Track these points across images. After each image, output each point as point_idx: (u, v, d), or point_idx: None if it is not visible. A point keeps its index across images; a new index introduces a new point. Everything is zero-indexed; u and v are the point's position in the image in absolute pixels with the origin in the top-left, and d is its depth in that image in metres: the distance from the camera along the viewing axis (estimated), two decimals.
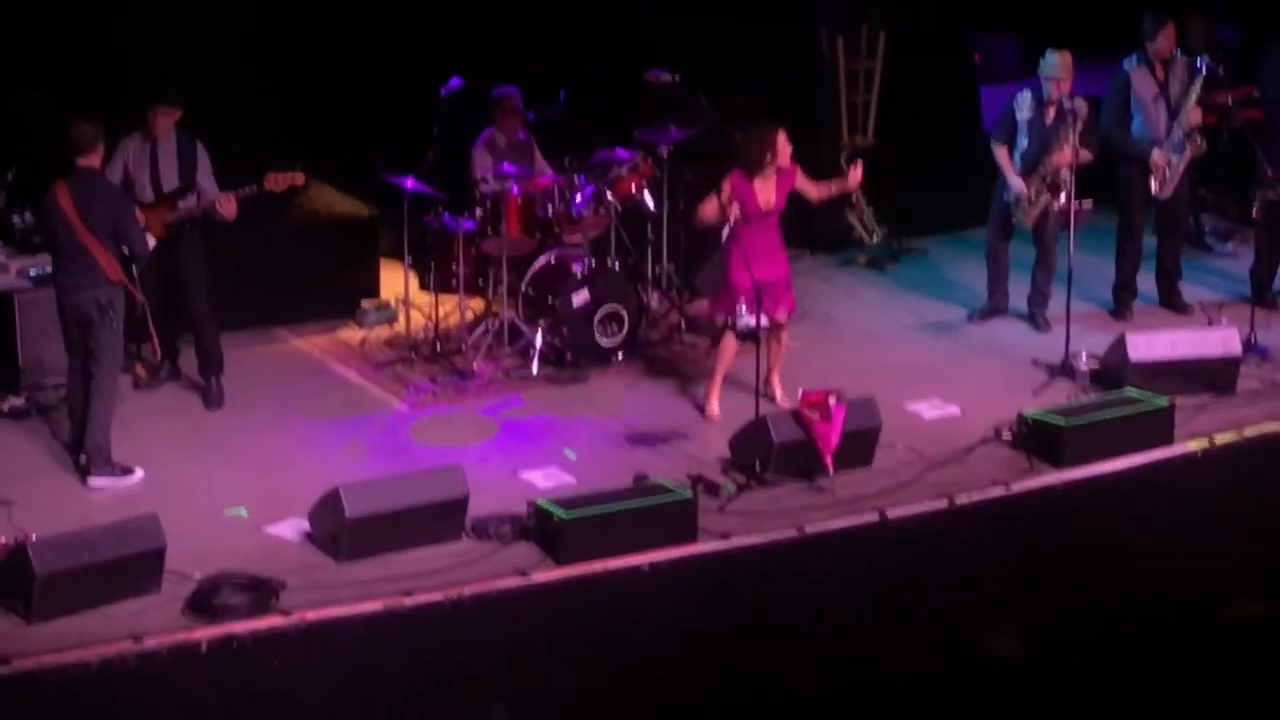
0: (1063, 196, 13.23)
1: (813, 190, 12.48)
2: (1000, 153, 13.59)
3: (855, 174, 12.51)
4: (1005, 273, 13.90)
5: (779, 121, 12.23)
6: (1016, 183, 13.49)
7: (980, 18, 15.28)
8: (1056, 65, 13.35)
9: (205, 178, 12.27)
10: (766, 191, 12.12)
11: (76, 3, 13.62)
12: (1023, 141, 13.53)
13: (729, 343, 12.24)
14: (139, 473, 11.39)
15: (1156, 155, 13.57)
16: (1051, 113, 13.43)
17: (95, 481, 11.30)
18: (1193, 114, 13.58)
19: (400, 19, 16.47)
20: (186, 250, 12.32)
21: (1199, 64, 13.54)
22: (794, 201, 15.20)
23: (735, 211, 11.99)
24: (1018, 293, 13.99)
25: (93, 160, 11.32)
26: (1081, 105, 13.32)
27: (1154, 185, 13.60)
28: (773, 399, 12.29)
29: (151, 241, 12.08)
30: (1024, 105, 13.52)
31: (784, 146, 12.15)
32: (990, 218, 13.83)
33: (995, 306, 13.97)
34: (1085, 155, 13.21)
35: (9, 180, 13.51)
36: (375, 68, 16.35)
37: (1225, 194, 15.78)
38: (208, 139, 12.42)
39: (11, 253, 12.87)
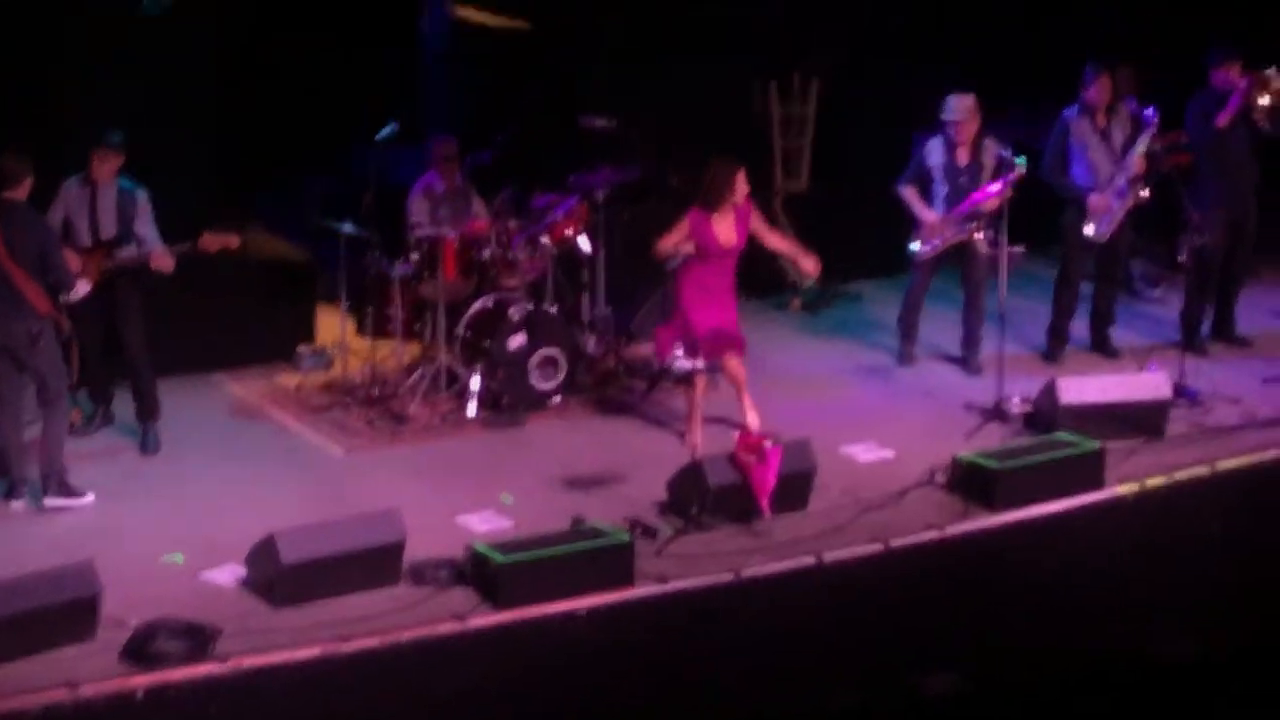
0: (978, 237, 13.51)
1: (769, 238, 12.57)
2: (907, 191, 13.79)
3: (810, 264, 12.57)
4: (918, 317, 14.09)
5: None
6: (928, 215, 13.67)
7: (917, 62, 15.36)
8: (957, 109, 13.59)
9: (146, 227, 12.27)
10: (726, 229, 12.23)
11: (15, 48, 13.58)
12: (940, 189, 13.70)
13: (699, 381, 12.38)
14: (90, 496, 11.49)
15: (1094, 199, 13.72)
16: (963, 155, 13.62)
17: (51, 502, 11.36)
18: (1137, 163, 13.73)
19: (338, 65, 16.55)
20: (123, 296, 12.31)
21: (1147, 114, 13.73)
22: None
23: (689, 248, 12.07)
24: (950, 338, 14.12)
25: (18, 193, 11.35)
26: (992, 144, 13.60)
27: (1089, 228, 13.74)
28: (746, 424, 12.35)
29: (87, 287, 12.10)
30: (934, 151, 13.72)
31: (742, 185, 12.27)
32: (915, 265, 13.94)
33: (913, 351, 14.10)
34: (1001, 190, 13.46)
35: None
36: (311, 112, 16.42)
37: (1154, 239, 15.92)
38: (146, 181, 12.40)
39: None
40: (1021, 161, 12.94)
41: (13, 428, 11.59)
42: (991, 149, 13.60)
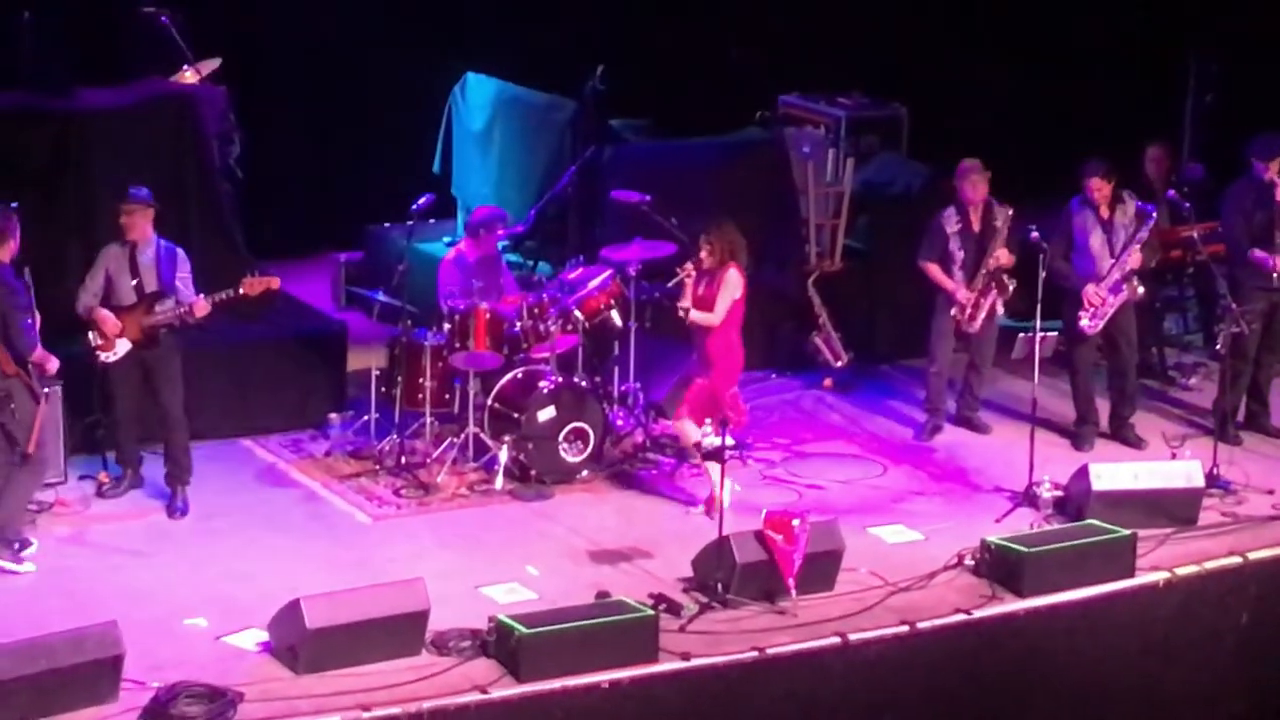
0: (1010, 289, 13.67)
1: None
2: (931, 269, 13.83)
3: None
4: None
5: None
6: (961, 292, 13.69)
7: (948, 145, 15.40)
8: (967, 167, 13.78)
9: (185, 285, 12.30)
10: (700, 292, 12.43)
11: (48, 117, 13.73)
12: (959, 254, 13.74)
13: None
14: (32, 566, 11.46)
15: (1089, 290, 13.68)
16: (976, 218, 13.75)
17: None
18: (1132, 257, 13.71)
19: (370, 129, 16.67)
20: (163, 357, 12.32)
21: (1147, 208, 13.74)
22: (761, 322, 15.40)
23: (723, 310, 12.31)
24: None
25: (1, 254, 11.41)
26: (1006, 209, 13.69)
27: (1085, 321, 13.70)
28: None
29: (127, 346, 12.13)
30: (950, 220, 13.80)
31: (703, 253, 12.43)
32: (936, 338, 13.94)
33: (938, 423, 14.10)
34: (1008, 258, 13.74)
35: None
36: (347, 181, 16.54)
37: (1190, 328, 15.90)
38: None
39: None
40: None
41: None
42: (1001, 213, 13.70)
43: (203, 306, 12.22)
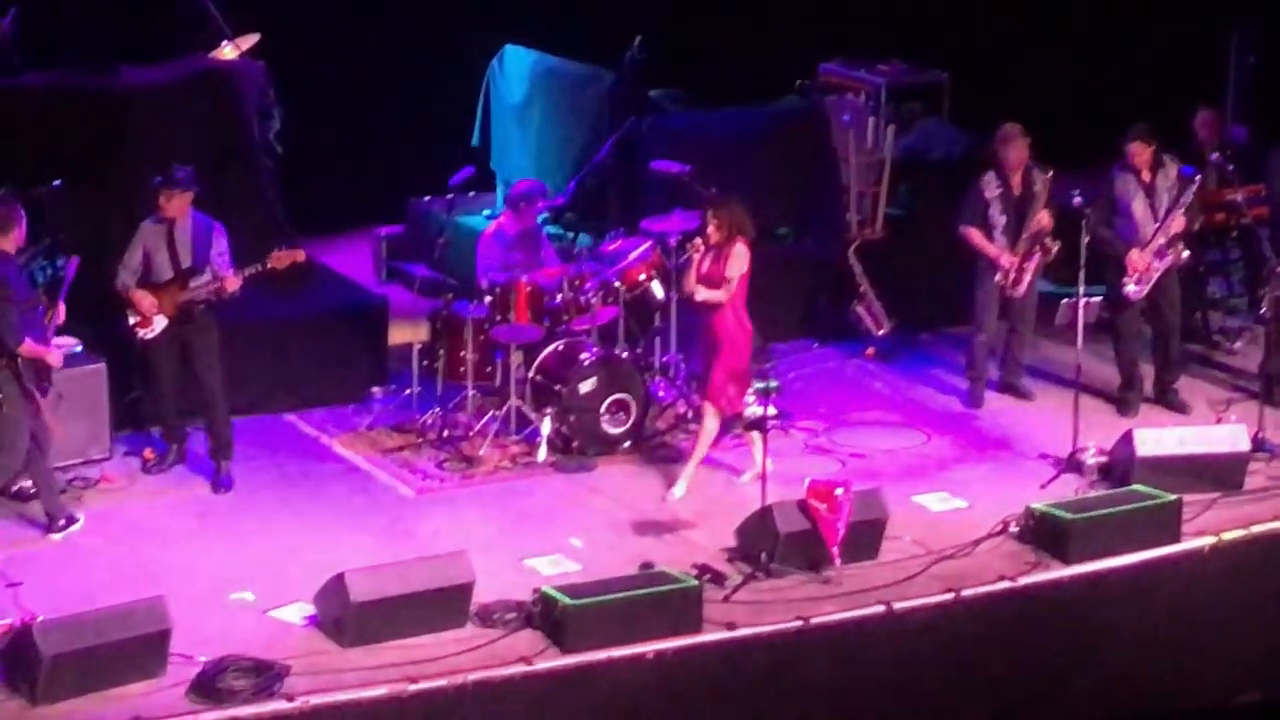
0: (1053, 251, 13.60)
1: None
2: (972, 234, 13.76)
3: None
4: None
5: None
6: (1004, 257, 13.64)
7: (991, 112, 15.33)
8: (1008, 132, 13.70)
9: (221, 259, 12.34)
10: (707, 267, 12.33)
11: (94, 97, 13.77)
12: (1000, 219, 13.67)
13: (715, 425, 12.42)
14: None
15: (1133, 255, 13.60)
16: (1016, 182, 13.67)
17: None
18: (1175, 222, 13.63)
19: (413, 105, 16.68)
20: (199, 333, 12.36)
21: (1192, 173, 13.67)
22: (803, 292, 15.38)
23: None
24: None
25: (3, 243, 11.44)
26: (1046, 172, 13.67)
27: (1129, 285, 13.64)
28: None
29: (163, 322, 12.17)
30: (990, 184, 13.72)
31: (710, 227, 12.32)
32: (980, 305, 13.89)
33: (983, 390, 14.07)
34: (1048, 220, 13.65)
35: (23, 266, 13.57)
36: (387, 155, 16.55)
37: (1235, 292, 15.80)
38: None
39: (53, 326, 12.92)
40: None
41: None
42: (1040, 177, 13.62)
43: (234, 281, 12.25)
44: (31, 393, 11.44)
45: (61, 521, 11.68)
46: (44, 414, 11.61)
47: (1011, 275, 13.73)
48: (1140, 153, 13.59)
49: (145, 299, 12.23)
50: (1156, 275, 13.66)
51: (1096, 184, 13.79)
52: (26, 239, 13.39)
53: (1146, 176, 13.67)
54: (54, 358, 11.58)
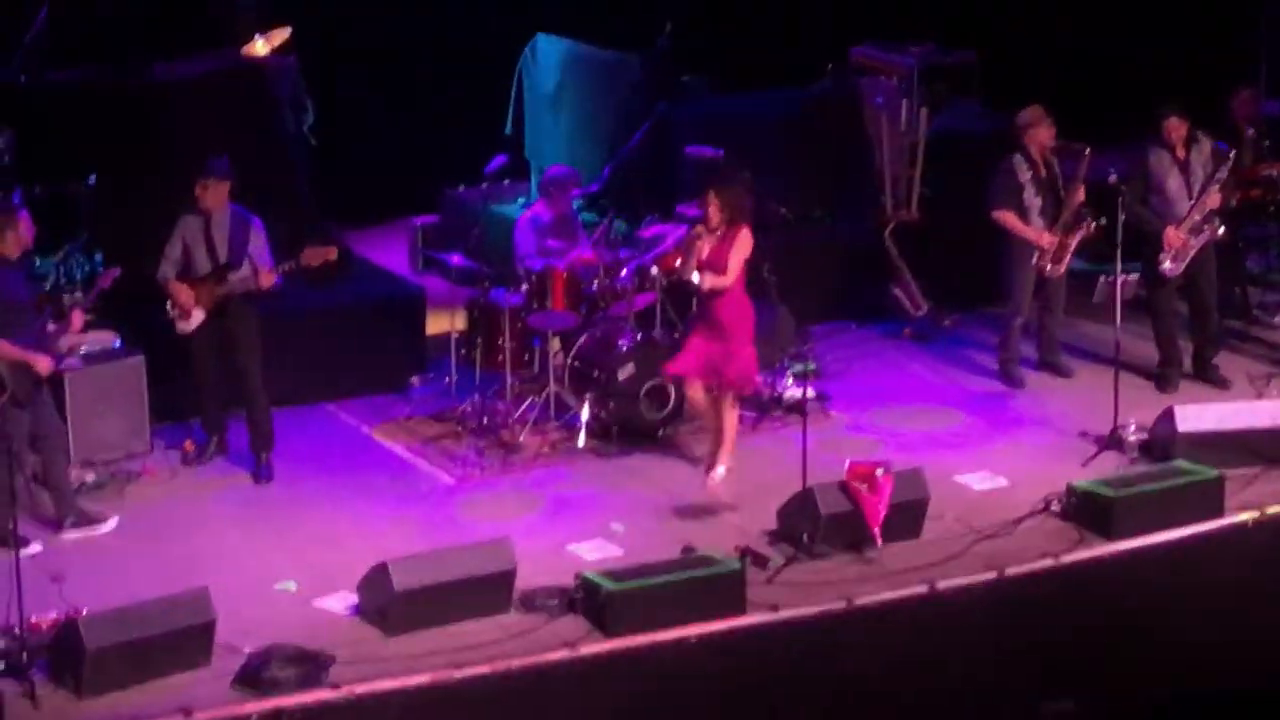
0: (1092, 226, 13.54)
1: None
2: (1009, 219, 13.70)
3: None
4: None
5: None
6: (1044, 237, 13.62)
7: (1025, 94, 15.29)
8: (1021, 118, 13.67)
9: (260, 252, 12.35)
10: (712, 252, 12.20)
11: (128, 93, 13.81)
12: (1036, 200, 13.64)
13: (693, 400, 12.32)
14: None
15: (1170, 233, 13.55)
16: (1043, 164, 13.66)
17: None
18: (1211, 198, 13.58)
19: (446, 95, 16.69)
20: (238, 325, 12.38)
21: (1226, 149, 13.61)
22: (839, 273, 15.35)
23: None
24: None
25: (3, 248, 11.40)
26: (1083, 148, 13.60)
27: (1166, 262, 13.58)
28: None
29: (201, 315, 12.20)
30: (1021, 166, 13.67)
31: (710, 208, 12.10)
32: (1019, 287, 13.84)
33: (1019, 371, 14.03)
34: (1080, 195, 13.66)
35: (60, 261, 13.63)
36: (423, 144, 16.57)
37: (1274, 266, 15.74)
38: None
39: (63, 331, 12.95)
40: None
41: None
42: (1078, 152, 13.62)
43: (268, 277, 12.26)
44: (7, 391, 11.34)
45: (69, 520, 11.67)
46: (48, 414, 11.58)
47: (1052, 254, 13.66)
48: (1176, 129, 13.53)
49: (183, 292, 12.26)
50: (1193, 252, 13.61)
51: (1129, 161, 13.74)
52: (64, 236, 13.53)
53: (1181, 153, 13.61)
54: (41, 364, 11.43)
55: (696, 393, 12.23)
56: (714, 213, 12.05)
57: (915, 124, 16.01)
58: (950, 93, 16.88)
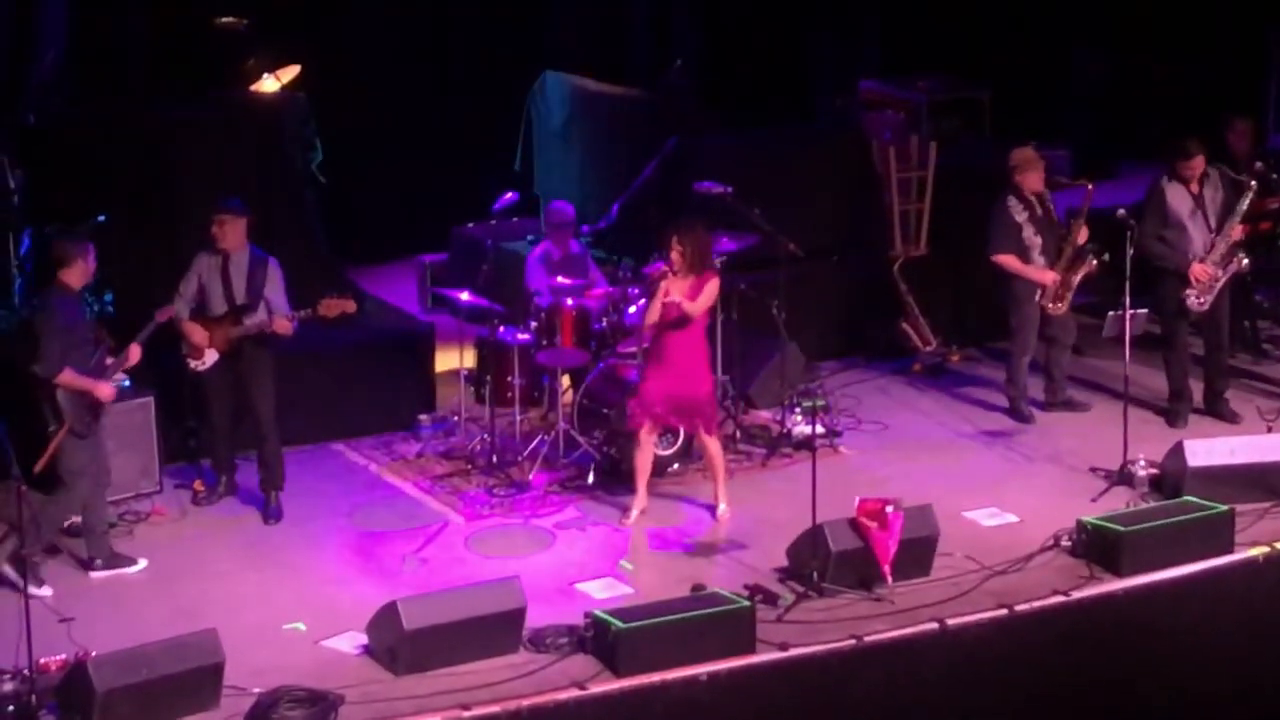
0: (1094, 264, 13.52)
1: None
2: (1009, 261, 13.68)
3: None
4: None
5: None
6: (1047, 275, 13.61)
7: (1034, 128, 15.34)
8: (1018, 158, 13.67)
9: (275, 294, 12.32)
10: (680, 295, 12.13)
11: (138, 133, 13.85)
12: (1036, 240, 13.63)
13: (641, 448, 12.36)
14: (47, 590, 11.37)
15: (1196, 268, 13.53)
16: (1038, 204, 13.66)
17: None
18: (1235, 230, 13.56)
19: (452, 131, 16.74)
20: (252, 366, 12.36)
21: (1250, 181, 13.58)
22: (848, 310, 15.35)
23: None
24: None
25: (67, 276, 11.43)
26: (1086, 185, 13.64)
27: (1193, 299, 13.55)
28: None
29: (214, 355, 12.21)
30: (1016, 209, 13.65)
31: (672, 252, 12.09)
32: (1023, 326, 13.81)
33: (1028, 410, 13.98)
34: (1085, 233, 13.65)
35: None
36: (429, 183, 16.61)
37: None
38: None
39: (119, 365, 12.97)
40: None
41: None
42: (1081, 189, 13.68)
43: (284, 324, 12.22)
44: (62, 422, 11.39)
45: (99, 561, 11.68)
46: (99, 449, 11.64)
47: (1054, 292, 13.63)
48: (1196, 162, 13.50)
49: (197, 332, 12.27)
50: (1219, 285, 13.57)
51: (1124, 194, 13.71)
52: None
53: (1195, 188, 13.60)
54: (103, 391, 11.54)
55: (649, 441, 12.33)
56: (677, 257, 12.06)
57: (924, 158, 16.04)
58: (960, 127, 16.90)
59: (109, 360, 11.62)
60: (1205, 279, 13.53)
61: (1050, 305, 13.70)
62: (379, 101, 16.70)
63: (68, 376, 11.37)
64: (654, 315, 12.09)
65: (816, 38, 17.61)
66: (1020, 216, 13.67)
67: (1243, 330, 15.02)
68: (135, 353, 11.73)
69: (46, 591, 11.29)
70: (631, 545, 12.11)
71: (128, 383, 12.83)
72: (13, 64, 14.65)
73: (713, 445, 12.36)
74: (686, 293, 12.06)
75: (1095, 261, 13.63)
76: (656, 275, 12.13)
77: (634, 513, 12.41)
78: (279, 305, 12.32)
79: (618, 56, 16.33)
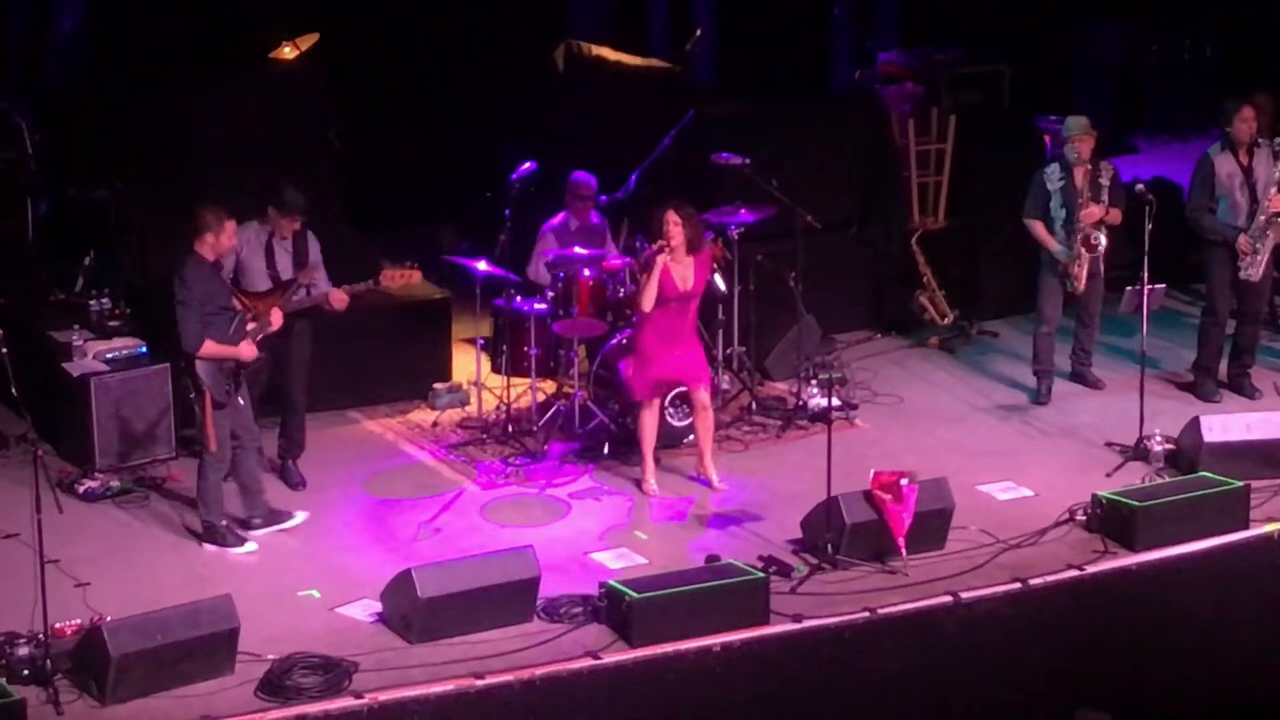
0: (1099, 248, 13.40)
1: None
2: (1035, 227, 13.64)
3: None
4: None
5: (678, 201, 12.32)
6: (1060, 250, 13.52)
7: (1052, 100, 15.30)
8: (1074, 125, 13.51)
9: (316, 269, 12.24)
10: (684, 273, 12.14)
11: (157, 99, 13.84)
12: (1061, 212, 13.57)
13: (649, 419, 12.38)
14: (251, 545, 11.58)
15: (1242, 240, 13.49)
16: (1079, 175, 13.51)
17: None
18: (1274, 200, 13.51)
19: (474, 103, 16.71)
20: (295, 341, 12.22)
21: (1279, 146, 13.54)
22: (866, 282, 15.32)
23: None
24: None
25: (198, 245, 11.36)
26: (1109, 166, 13.43)
27: (1243, 270, 13.53)
28: (708, 482, 12.44)
29: (279, 317, 12.05)
30: (1053, 177, 13.59)
31: (673, 227, 12.09)
32: (1043, 297, 13.77)
33: (1050, 384, 13.93)
34: (1115, 215, 13.45)
35: (87, 266, 13.68)
36: (448, 150, 16.59)
37: None
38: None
39: (88, 337, 12.99)
40: None
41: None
42: (1107, 170, 13.47)
43: (340, 298, 12.00)
44: (206, 393, 11.35)
45: (257, 520, 11.72)
46: (240, 411, 11.59)
47: (1071, 269, 13.59)
48: (1247, 124, 13.40)
49: (239, 301, 11.81)
50: (1263, 257, 13.53)
51: (1143, 168, 13.65)
52: (92, 241, 13.56)
53: (1244, 158, 13.54)
54: (245, 352, 11.43)
55: (653, 410, 12.37)
56: (679, 233, 12.07)
57: (943, 131, 16.00)
58: (979, 100, 16.85)
59: (249, 325, 11.52)
60: (1250, 249, 13.50)
61: (1069, 282, 13.64)
62: (396, 70, 16.67)
63: (210, 348, 11.31)
64: (652, 294, 12.08)
65: (835, 9, 17.54)
66: (1054, 185, 13.59)
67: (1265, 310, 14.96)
68: (277, 318, 11.67)
69: (251, 547, 11.52)
70: (646, 516, 12.11)
71: (144, 349, 12.87)
72: (32, 30, 14.64)
73: (708, 414, 12.39)
74: (695, 271, 12.11)
75: (1094, 245, 13.46)
76: (652, 253, 12.12)
77: (651, 481, 12.40)
78: (319, 280, 12.15)
79: (638, 27, 16.27)
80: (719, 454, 12.86)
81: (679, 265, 12.12)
